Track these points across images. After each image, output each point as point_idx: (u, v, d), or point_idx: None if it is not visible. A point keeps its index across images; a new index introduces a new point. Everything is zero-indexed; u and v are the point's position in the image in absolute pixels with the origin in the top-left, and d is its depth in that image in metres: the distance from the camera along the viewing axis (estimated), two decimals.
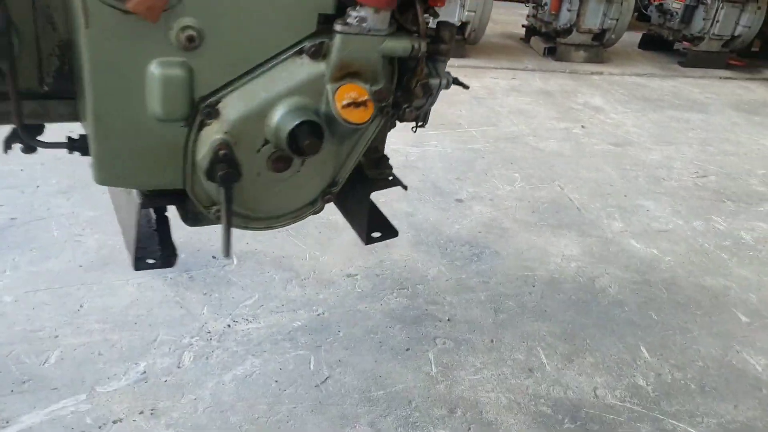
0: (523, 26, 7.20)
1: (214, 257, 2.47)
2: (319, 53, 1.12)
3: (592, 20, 6.32)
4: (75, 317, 2.08)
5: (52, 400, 1.77)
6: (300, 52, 1.12)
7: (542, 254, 2.85)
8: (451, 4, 5.58)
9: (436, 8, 1.27)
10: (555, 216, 3.24)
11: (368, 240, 1.54)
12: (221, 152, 1.09)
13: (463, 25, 5.75)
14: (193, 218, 1.23)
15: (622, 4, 6.33)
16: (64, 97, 1.15)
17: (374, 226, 1.55)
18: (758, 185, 4.05)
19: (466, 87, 1.46)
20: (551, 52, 6.63)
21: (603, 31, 6.46)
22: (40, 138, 1.17)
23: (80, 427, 1.71)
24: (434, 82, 1.27)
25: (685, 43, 6.93)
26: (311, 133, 1.10)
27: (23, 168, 2.95)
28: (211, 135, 1.10)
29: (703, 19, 6.55)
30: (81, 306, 2.14)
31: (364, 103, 1.13)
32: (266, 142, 1.14)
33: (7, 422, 1.69)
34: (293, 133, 1.09)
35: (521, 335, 2.28)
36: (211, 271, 2.39)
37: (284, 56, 1.11)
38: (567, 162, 3.99)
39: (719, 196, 3.80)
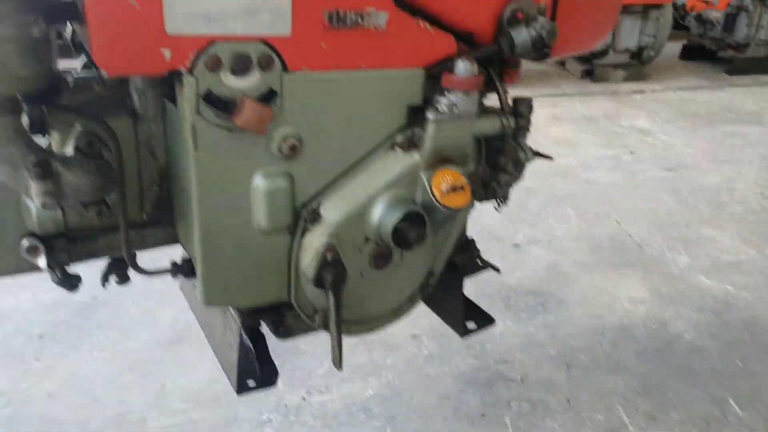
0: None
1: None
2: (411, 144, 1.13)
3: (629, 39, 6.14)
4: (159, 397, 2.10)
5: None
6: (392, 146, 1.14)
7: (609, 299, 2.74)
8: None
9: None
10: (616, 255, 3.12)
11: (464, 331, 1.48)
12: (329, 256, 1.09)
13: None
14: (285, 331, 1.22)
15: (658, 20, 6.10)
16: (159, 224, 1.18)
17: (468, 315, 1.49)
18: None
19: (549, 158, 1.42)
20: (589, 74, 6.48)
21: (641, 49, 6.27)
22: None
23: None
24: (522, 156, 1.26)
25: (730, 50, 6.64)
26: (416, 224, 1.10)
27: None
28: (315, 240, 1.10)
29: (746, 25, 6.28)
30: (163, 385, 2.16)
31: (461, 187, 1.13)
32: (367, 240, 1.14)
33: None
34: (398, 228, 1.09)
35: (598, 392, 2.17)
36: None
37: (378, 151, 1.13)
38: (620, 193, 3.86)
39: None
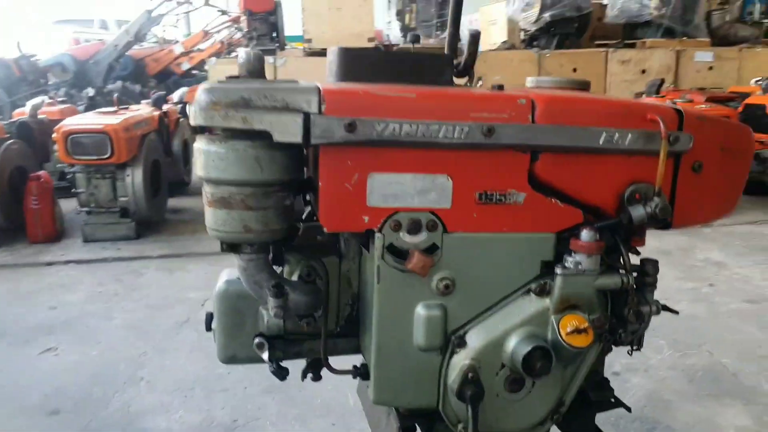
0: None
1: None
2: (543, 291, 1.03)
3: None
4: None
5: None
6: (528, 291, 1.04)
7: (713, 427, 2.16)
8: None
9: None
10: (714, 385, 2.49)
11: None
12: (470, 375, 1.00)
13: None
14: None
15: None
16: (347, 335, 1.15)
17: None
18: None
19: (675, 312, 1.22)
20: None
21: None
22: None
23: None
24: (645, 309, 1.08)
25: None
26: (542, 357, 0.98)
27: (229, 371, 2.50)
28: (460, 361, 1.02)
29: None
30: None
31: (585, 330, 1.01)
32: (503, 366, 1.03)
33: None
34: (527, 358, 0.98)
35: None
36: None
37: (516, 295, 1.04)
38: (706, 324, 3.17)
39: None
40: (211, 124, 0.88)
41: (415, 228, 0.96)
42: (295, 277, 1.09)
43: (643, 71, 7.28)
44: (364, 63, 1.09)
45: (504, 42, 7.20)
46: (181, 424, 2.18)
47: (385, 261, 0.97)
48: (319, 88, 0.90)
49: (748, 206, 5.97)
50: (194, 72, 10.05)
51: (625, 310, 1.04)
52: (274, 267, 1.10)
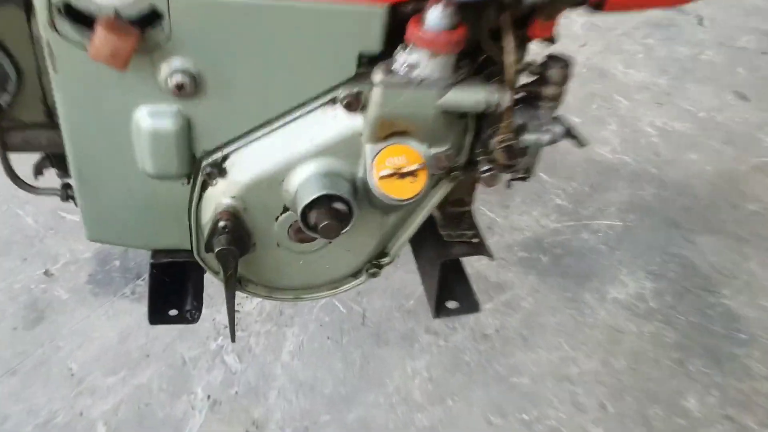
0: None
1: None
2: (356, 105, 0.71)
3: None
4: None
5: None
6: (332, 101, 0.72)
7: None
8: None
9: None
10: None
11: (437, 313, 0.99)
12: (221, 223, 0.77)
13: None
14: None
15: None
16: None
17: (450, 295, 1.02)
18: None
19: (583, 144, 0.83)
20: None
21: None
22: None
23: None
24: (529, 138, 0.76)
25: None
26: (330, 211, 0.73)
27: None
28: (218, 197, 0.78)
29: None
30: None
31: (411, 173, 0.73)
32: (286, 209, 0.79)
33: None
34: (306, 211, 0.73)
35: None
36: None
37: (312, 106, 0.73)
38: None
39: None
40: None
41: None
42: None
43: None
44: None
45: None
46: None
47: (59, 33, 0.62)
48: None
49: None
50: None
51: (491, 141, 0.74)
52: None
